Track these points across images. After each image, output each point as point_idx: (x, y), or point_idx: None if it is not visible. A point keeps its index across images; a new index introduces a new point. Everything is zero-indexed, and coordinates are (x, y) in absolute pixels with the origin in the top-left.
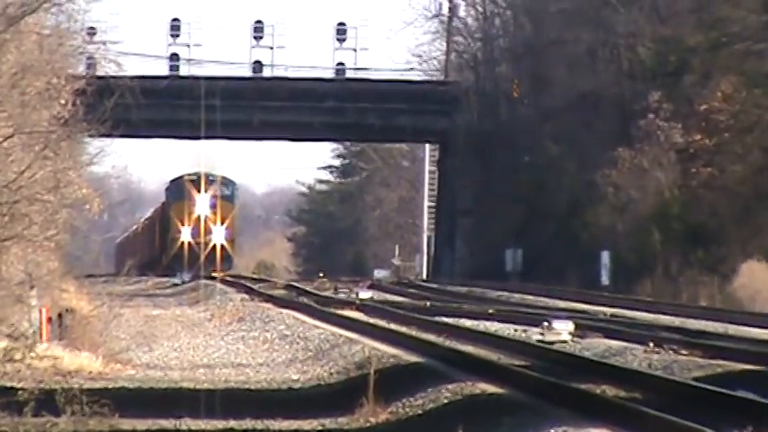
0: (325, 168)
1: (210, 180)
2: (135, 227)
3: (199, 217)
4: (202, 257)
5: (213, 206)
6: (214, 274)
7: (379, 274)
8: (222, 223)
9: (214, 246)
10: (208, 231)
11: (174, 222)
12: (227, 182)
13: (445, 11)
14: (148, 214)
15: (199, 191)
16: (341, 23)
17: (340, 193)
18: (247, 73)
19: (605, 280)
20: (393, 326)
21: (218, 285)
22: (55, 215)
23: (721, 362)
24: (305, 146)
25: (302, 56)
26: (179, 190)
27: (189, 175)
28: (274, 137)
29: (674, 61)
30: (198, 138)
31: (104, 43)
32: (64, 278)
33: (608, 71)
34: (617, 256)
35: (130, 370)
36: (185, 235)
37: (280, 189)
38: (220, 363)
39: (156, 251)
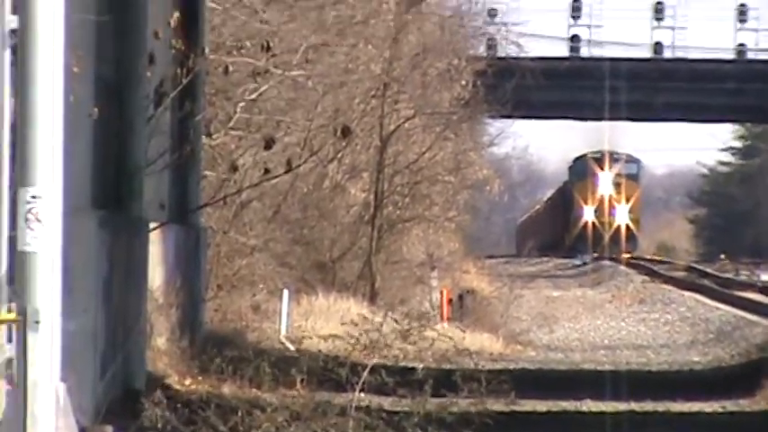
0: (726, 150)
1: (615, 158)
2: (536, 207)
3: (603, 196)
4: (606, 238)
5: (618, 185)
6: (624, 255)
7: None
8: (627, 202)
9: (618, 226)
10: (612, 211)
11: (577, 201)
12: (631, 160)
13: None
14: (550, 194)
15: (603, 169)
16: (741, 5)
17: (741, 175)
18: (647, 54)
19: None
20: None
21: (620, 267)
22: (455, 196)
23: None
24: (705, 127)
25: (702, 36)
26: (583, 168)
27: (593, 153)
28: (675, 118)
29: None
30: (600, 119)
31: (505, 24)
32: (464, 259)
33: None
34: None
35: (531, 351)
36: (588, 214)
37: (680, 170)
38: (621, 344)
39: (557, 231)
